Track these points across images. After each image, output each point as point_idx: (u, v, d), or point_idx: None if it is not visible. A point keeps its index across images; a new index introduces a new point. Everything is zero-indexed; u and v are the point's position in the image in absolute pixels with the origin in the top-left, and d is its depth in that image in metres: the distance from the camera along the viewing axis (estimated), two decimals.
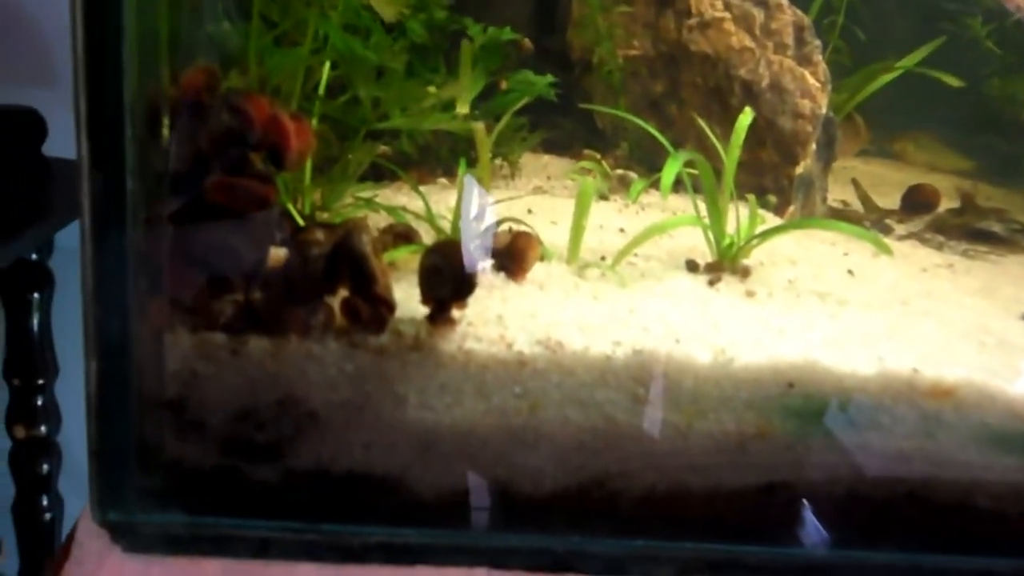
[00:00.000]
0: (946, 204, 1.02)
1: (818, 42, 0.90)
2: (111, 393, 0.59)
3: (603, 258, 0.76)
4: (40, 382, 1.22)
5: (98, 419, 0.59)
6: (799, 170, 0.90)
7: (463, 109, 0.72)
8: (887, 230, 0.92)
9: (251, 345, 0.60)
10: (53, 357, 1.24)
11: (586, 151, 0.98)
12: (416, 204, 0.79)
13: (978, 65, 1.14)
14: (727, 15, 0.93)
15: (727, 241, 0.75)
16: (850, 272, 0.79)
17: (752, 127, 0.87)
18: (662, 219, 0.76)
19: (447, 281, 0.61)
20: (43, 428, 1.23)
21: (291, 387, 0.61)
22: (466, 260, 0.61)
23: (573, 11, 1.05)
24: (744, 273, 0.75)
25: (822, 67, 0.89)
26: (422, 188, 0.87)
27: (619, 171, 0.95)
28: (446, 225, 0.74)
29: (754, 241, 0.76)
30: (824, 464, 0.65)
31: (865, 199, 0.97)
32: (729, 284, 0.74)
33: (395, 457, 0.63)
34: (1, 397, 1.24)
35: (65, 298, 1.21)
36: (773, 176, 0.91)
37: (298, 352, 0.61)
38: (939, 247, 0.89)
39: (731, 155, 0.76)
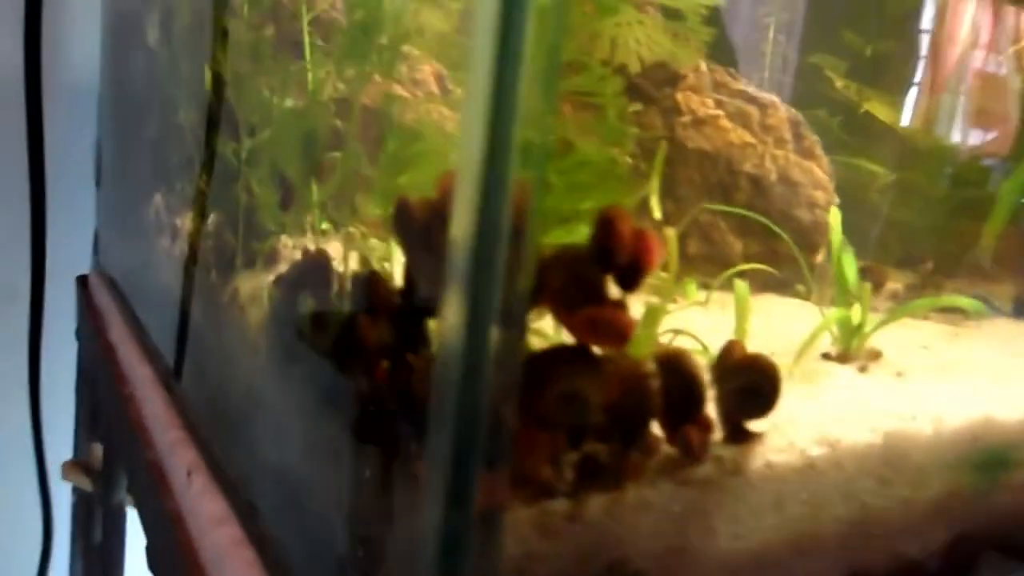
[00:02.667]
0: None
1: (816, 137, 0.97)
2: None
3: None
4: None
5: None
6: (819, 258, 0.96)
7: (657, 214, 0.67)
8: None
9: (588, 505, 0.51)
10: None
11: None
12: None
13: None
14: (720, 112, 0.97)
15: (856, 328, 0.78)
16: (925, 348, 0.85)
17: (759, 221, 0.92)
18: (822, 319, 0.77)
19: (759, 400, 0.56)
20: None
21: (622, 545, 0.52)
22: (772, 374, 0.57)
23: None
24: (875, 357, 0.78)
25: (825, 160, 0.96)
26: None
27: None
28: None
29: (870, 327, 0.80)
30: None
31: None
32: (872, 369, 0.76)
33: None
34: None
35: None
36: (792, 267, 0.96)
37: (631, 501, 0.52)
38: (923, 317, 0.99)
39: (836, 245, 0.79)
